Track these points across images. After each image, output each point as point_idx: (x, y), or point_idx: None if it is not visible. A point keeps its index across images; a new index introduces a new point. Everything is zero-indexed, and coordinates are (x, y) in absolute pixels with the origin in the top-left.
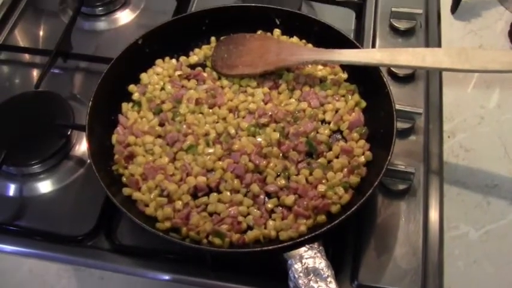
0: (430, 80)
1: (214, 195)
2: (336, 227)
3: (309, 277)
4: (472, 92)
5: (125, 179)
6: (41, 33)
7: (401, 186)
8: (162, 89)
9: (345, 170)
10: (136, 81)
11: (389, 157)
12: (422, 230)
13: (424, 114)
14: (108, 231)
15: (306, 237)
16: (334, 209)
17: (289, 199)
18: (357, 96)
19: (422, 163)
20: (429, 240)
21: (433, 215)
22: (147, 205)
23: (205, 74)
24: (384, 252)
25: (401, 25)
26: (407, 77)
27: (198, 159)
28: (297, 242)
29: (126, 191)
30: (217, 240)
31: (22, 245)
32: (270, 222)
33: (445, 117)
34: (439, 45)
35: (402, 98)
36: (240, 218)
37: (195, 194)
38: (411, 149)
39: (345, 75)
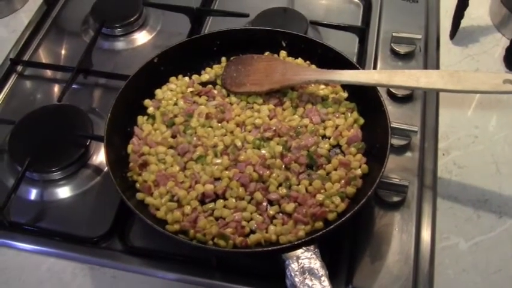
0: (428, 101)
1: (220, 202)
2: (331, 232)
3: (305, 276)
4: (467, 114)
5: (138, 185)
6: (63, 51)
7: (395, 198)
8: (175, 104)
9: (342, 181)
10: (151, 96)
11: (383, 169)
12: (415, 239)
13: (419, 132)
14: (121, 234)
15: (303, 240)
16: (331, 216)
17: (290, 206)
18: (355, 114)
19: (417, 178)
20: (421, 250)
21: (426, 226)
22: (158, 209)
23: (215, 91)
24: (377, 259)
25: (402, 49)
26: (406, 98)
27: (207, 169)
28: (295, 245)
29: (139, 195)
30: (222, 242)
31: (42, 245)
32: (271, 227)
33: (440, 136)
34: (437, 68)
35: (400, 117)
36: (244, 223)
37: (202, 200)
38: (406, 164)
39: (345, 94)
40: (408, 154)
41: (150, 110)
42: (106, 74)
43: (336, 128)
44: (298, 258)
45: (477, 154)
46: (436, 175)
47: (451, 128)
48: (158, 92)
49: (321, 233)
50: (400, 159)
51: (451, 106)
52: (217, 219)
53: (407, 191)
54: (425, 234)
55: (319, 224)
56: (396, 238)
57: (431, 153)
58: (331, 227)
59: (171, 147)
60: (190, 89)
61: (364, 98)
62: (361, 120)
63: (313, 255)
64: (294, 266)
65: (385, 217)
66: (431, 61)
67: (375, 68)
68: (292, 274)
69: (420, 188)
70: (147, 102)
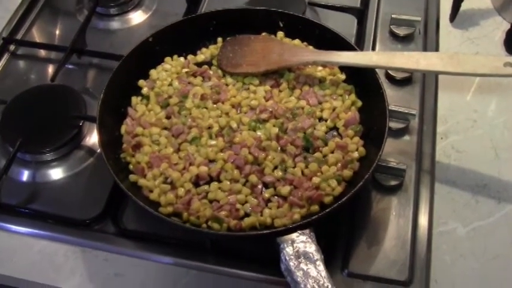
0: (426, 84)
1: (214, 184)
2: (327, 216)
3: (299, 259)
4: (467, 98)
5: (131, 166)
6: (57, 31)
7: (393, 182)
8: (170, 84)
9: (339, 164)
10: (146, 76)
11: (380, 153)
12: (412, 224)
13: (418, 115)
14: (114, 217)
15: (299, 223)
16: (327, 199)
17: (285, 189)
18: (353, 96)
19: (415, 162)
20: (418, 235)
21: (423, 211)
22: (151, 191)
23: (211, 72)
24: (374, 243)
25: (401, 31)
26: (404, 80)
27: (201, 150)
28: (290, 228)
29: (132, 177)
30: (216, 225)
31: (34, 227)
32: (266, 210)
33: (439, 119)
34: (436, 51)
35: (398, 100)
36: (238, 206)
37: (196, 182)
38: (404, 148)
39: (343, 76)
40: (406, 138)
41: (145, 90)
42: (100, 54)
43: (333, 110)
44: (293, 242)
45: (476, 138)
46: (434, 159)
47: (450, 112)
48: (153, 73)
49: (316, 216)
50: (398, 142)
51: (450, 90)
52: (211, 201)
53: (405, 175)
54: (423, 219)
55: (315, 208)
56: (393, 223)
57: (429, 137)
58: (327, 210)
59: (165, 128)
60: (185, 70)
61: (362, 80)
62: (359, 103)
63: (309, 239)
64: (289, 250)
65: (382, 201)
66: (430, 44)
67: (373, 50)
68: (287, 258)
69: (418, 172)
70: (141, 82)
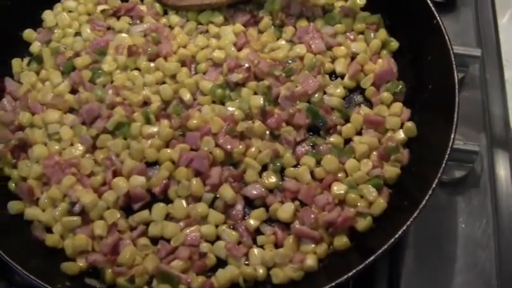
0: (480, 9)
1: (159, 207)
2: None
3: None
4: None
5: (13, 185)
6: None
7: (458, 174)
8: (77, 33)
9: (374, 154)
10: (36, 24)
11: (452, 133)
12: (494, 236)
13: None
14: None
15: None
16: (363, 224)
17: (285, 210)
18: (383, 33)
19: (484, 133)
20: (504, 253)
21: (506, 209)
22: (49, 229)
23: (142, 8)
24: (434, 272)
25: None
26: (446, 3)
27: (132, 147)
28: None
29: (14, 206)
30: None
31: None
32: (255, 252)
33: (505, 60)
34: None
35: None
36: (204, 246)
37: (127, 206)
38: (465, 112)
39: (362, 1)
40: (464, 94)
41: (34, 46)
42: None
43: (353, 58)
44: None
45: None
46: (508, 123)
47: None
48: (48, 16)
49: (355, 270)
50: None
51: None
52: (154, 242)
53: (476, 159)
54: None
55: (341, 241)
56: (463, 237)
57: (496, 90)
58: (372, 258)
59: (69, 110)
60: (101, 7)
61: (394, 4)
62: (394, 44)
63: None
64: None
65: (440, 204)
66: None
67: None
68: None
69: (490, 149)
70: (28, 33)
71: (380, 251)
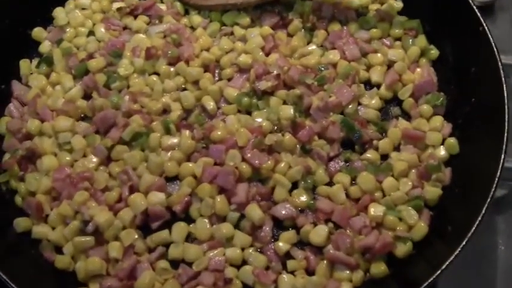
0: None
1: (180, 227)
2: None
3: None
4: None
5: (19, 199)
6: None
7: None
8: (91, 33)
9: (413, 172)
10: (46, 22)
11: (503, 153)
12: None
13: None
14: None
15: None
16: (402, 250)
17: (318, 233)
18: (422, 40)
19: None
20: None
21: None
22: (59, 249)
23: (162, 7)
24: None
25: None
26: (486, 7)
27: (151, 160)
28: None
29: (21, 223)
30: None
31: None
32: (285, 279)
33: None
34: None
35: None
36: (230, 271)
37: (145, 225)
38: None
39: (399, 4)
40: None
41: (44, 46)
42: None
43: (389, 67)
44: None
45: None
46: None
47: None
48: (59, 13)
49: None
50: None
51: None
52: (175, 265)
53: None
54: None
55: (379, 268)
56: (503, 261)
57: None
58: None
59: (82, 118)
60: (116, 5)
61: (435, 8)
62: (435, 52)
63: None
64: None
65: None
66: None
67: None
68: None
69: None
70: (37, 32)
71: (425, 284)
